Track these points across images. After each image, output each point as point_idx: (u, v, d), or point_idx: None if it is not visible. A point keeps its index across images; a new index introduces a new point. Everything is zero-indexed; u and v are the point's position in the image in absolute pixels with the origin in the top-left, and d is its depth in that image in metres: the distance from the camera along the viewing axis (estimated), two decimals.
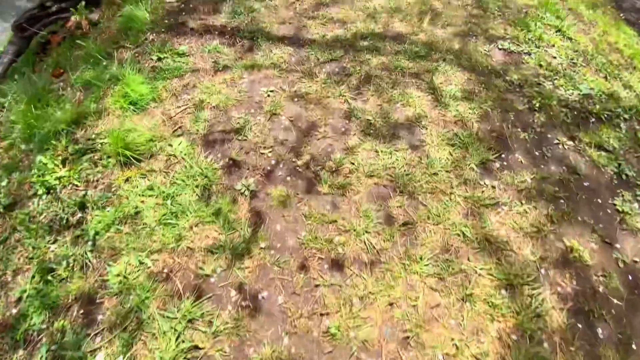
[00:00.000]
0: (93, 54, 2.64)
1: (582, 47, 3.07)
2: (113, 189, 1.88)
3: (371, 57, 2.56)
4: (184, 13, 2.92)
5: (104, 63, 2.58)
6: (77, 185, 1.92)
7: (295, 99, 2.28)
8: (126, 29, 2.80)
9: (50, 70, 2.77)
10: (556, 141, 2.14)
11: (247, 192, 1.82)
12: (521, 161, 1.99)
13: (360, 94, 2.32)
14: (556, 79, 2.62)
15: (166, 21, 2.85)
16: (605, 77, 2.81)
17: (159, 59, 2.53)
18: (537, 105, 2.34)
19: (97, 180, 1.93)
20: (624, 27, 4.19)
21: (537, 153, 2.05)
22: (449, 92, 2.31)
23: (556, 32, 3.16)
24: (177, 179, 1.87)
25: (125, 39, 2.75)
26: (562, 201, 1.84)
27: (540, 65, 2.71)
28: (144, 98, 2.25)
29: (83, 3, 3.09)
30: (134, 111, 2.21)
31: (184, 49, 2.60)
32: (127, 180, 1.90)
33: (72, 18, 3.05)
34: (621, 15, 4.68)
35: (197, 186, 1.84)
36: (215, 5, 2.98)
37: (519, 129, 2.16)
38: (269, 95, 2.29)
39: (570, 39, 3.13)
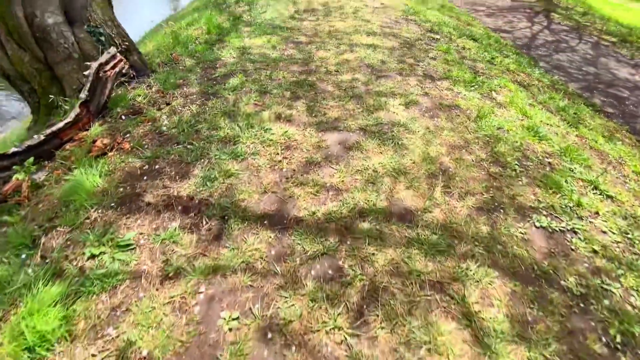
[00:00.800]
0: (13, 241, 2.03)
1: (629, 209, 2.54)
2: None
3: (375, 250, 1.93)
4: (145, 178, 2.41)
5: (23, 256, 1.95)
6: None
7: (269, 335, 1.56)
8: (67, 202, 2.25)
9: None
10: None
11: None
12: None
13: (365, 323, 1.61)
14: (621, 273, 1.97)
15: (121, 190, 2.33)
16: None
17: (93, 256, 1.90)
18: (617, 337, 1.62)
19: None
20: None
21: None
22: (491, 324, 1.61)
23: (592, 189, 2.66)
24: None
25: (62, 215, 2.18)
26: None
27: (595, 252, 2.10)
28: (47, 339, 1.53)
29: (32, 159, 2.64)
30: None
31: (131, 237, 1.99)
32: None
33: (14, 178, 2.55)
34: (637, 140, 4.40)
35: None
36: (185, 167, 2.50)
37: None
38: (230, 329, 1.58)
39: (611, 197, 2.62)
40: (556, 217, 2.32)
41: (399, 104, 3.39)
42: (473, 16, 8.66)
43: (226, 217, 2.12)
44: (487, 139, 3.02)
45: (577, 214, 2.38)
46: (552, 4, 10.70)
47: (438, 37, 5.59)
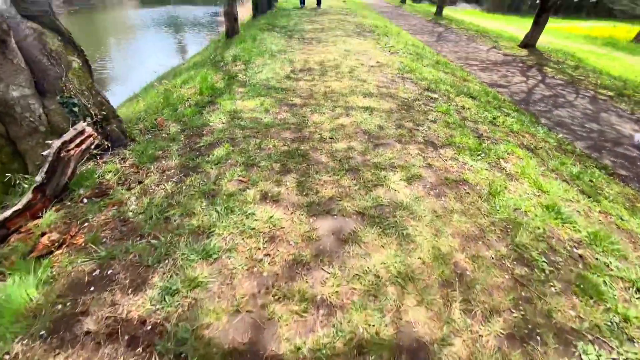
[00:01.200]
0: None
1: None
2: None
3: None
4: (92, 289, 1.95)
5: None
6: None
7: None
8: None
9: None
10: None
11: None
12: None
13: None
14: None
15: (58, 307, 1.85)
16: None
17: None
18: None
19: None
20: None
21: None
22: None
23: (635, 291, 2.20)
24: None
25: None
26: None
27: None
28: None
29: None
30: None
31: None
32: None
33: None
34: None
35: None
36: (144, 273, 2.05)
37: None
38: None
39: None
40: (604, 342, 1.83)
41: (400, 179, 3.03)
42: (468, 71, 8.77)
43: (183, 355, 1.63)
44: (505, 224, 2.61)
45: (626, 334, 1.90)
46: (543, 58, 11.00)
47: (436, 96, 5.45)
